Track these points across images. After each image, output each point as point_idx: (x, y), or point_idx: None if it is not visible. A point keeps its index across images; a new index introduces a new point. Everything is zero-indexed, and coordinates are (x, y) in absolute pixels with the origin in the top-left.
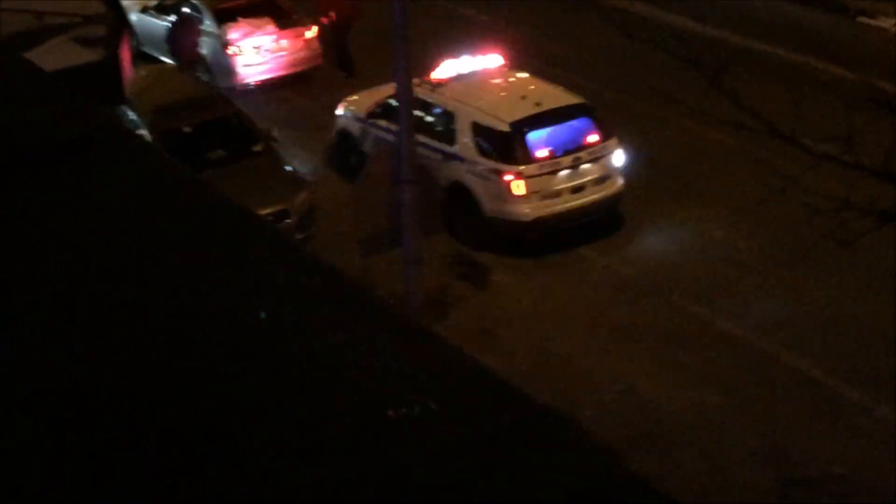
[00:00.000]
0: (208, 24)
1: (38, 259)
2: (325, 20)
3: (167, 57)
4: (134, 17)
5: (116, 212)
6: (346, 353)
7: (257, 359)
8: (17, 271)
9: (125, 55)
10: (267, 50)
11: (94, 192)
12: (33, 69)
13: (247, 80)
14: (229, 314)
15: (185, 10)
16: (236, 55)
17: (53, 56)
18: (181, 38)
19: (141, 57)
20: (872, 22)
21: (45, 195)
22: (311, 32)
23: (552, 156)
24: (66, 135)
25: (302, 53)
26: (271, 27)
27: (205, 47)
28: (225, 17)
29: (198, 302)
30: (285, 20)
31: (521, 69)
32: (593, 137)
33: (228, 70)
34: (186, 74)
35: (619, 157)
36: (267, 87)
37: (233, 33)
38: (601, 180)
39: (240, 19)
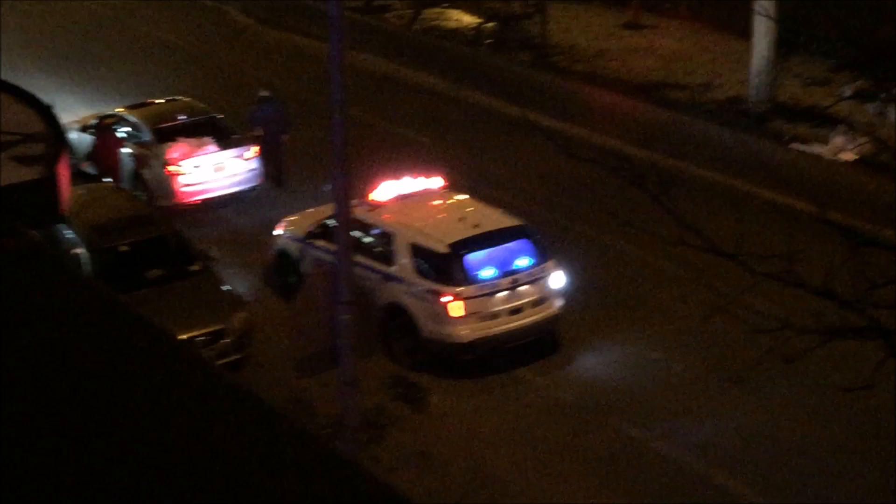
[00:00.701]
0: (148, 143)
1: None
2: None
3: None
4: (73, 135)
5: (25, 330)
6: (257, 477)
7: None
8: None
9: (63, 173)
10: (208, 170)
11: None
12: None
13: (186, 200)
14: (139, 437)
15: (123, 128)
16: (176, 174)
17: None
18: (101, 147)
19: (79, 176)
20: (806, 148)
21: None
22: (251, 152)
23: (490, 277)
24: None
25: (242, 173)
26: (212, 147)
27: (144, 166)
28: (165, 136)
29: (106, 423)
30: (226, 140)
31: (461, 191)
32: (531, 259)
33: (168, 189)
34: (124, 193)
35: (557, 280)
36: (206, 206)
37: (173, 153)
38: (539, 302)
39: (180, 139)
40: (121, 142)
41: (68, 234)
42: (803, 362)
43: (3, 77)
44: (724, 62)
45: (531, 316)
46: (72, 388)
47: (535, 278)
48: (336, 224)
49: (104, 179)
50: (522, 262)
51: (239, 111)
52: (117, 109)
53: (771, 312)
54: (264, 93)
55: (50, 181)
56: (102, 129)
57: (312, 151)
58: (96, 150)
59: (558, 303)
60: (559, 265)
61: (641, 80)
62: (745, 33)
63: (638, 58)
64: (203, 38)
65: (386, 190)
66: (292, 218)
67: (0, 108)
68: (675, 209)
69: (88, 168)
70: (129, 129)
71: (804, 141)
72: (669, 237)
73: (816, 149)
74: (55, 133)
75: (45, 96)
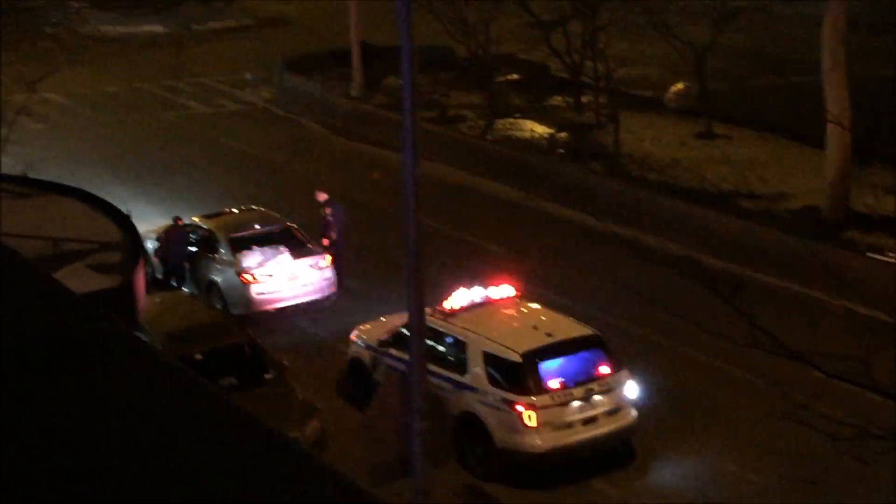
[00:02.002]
0: (223, 253)
1: (45, 466)
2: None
3: (180, 282)
4: (149, 244)
5: (128, 424)
6: None
7: None
8: (28, 475)
9: (139, 281)
10: (281, 279)
11: (107, 402)
12: (53, 284)
13: (260, 308)
14: None
15: (194, 233)
16: (250, 283)
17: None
18: (169, 245)
19: (154, 284)
20: (882, 257)
21: (55, 402)
22: (325, 261)
23: (564, 387)
24: (77, 340)
25: (315, 282)
26: (286, 256)
27: (219, 275)
28: (240, 245)
29: None
30: (300, 249)
31: (533, 299)
32: (605, 369)
33: (242, 298)
34: (199, 301)
35: (631, 389)
36: (280, 315)
37: (247, 261)
38: (613, 412)
39: (255, 247)
40: (196, 250)
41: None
42: (878, 465)
43: (83, 187)
44: (798, 171)
45: (605, 426)
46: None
47: (609, 388)
48: (409, 332)
49: (172, 283)
50: (596, 371)
51: (313, 220)
52: (193, 218)
53: (843, 419)
54: (323, 195)
55: (126, 289)
56: (173, 233)
57: (385, 259)
58: (164, 253)
59: (632, 412)
60: (632, 374)
61: (714, 189)
62: (819, 143)
63: (711, 167)
64: (278, 148)
65: (459, 298)
66: (366, 326)
67: (79, 217)
68: (748, 311)
69: (157, 273)
70: (204, 237)
71: (880, 250)
72: (741, 340)
73: (893, 258)
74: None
75: (122, 206)
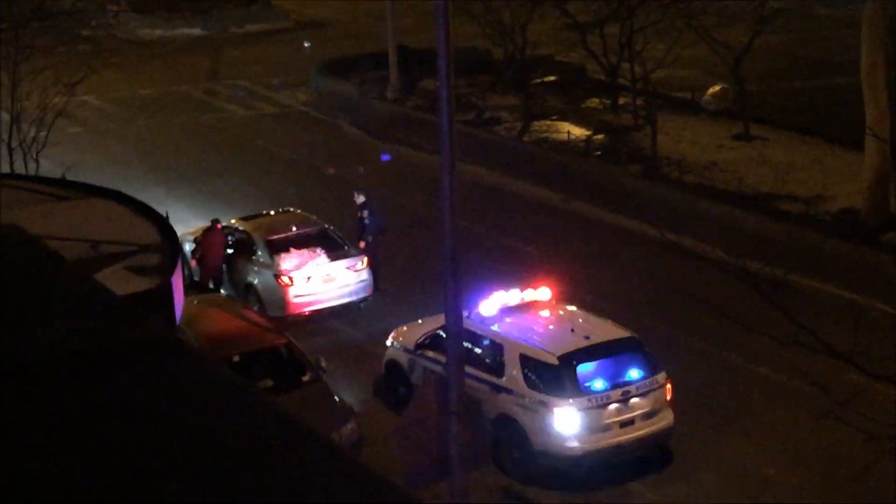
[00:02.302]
0: (260, 255)
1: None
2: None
3: (217, 285)
4: (188, 246)
5: (169, 425)
6: None
7: None
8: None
9: (177, 283)
10: (318, 281)
11: (148, 404)
12: (95, 286)
13: (298, 311)
14: None
15: (231, 236)
16: (288, 286)
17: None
18: (205, 250)
19: (193, 287)
20: None
21: (97, 405)
22: (362, 264)
23: (601, 389)
24: (119, 343)
25: (353, 285)
26: (323, 258)
27: (256, 277)
28: (277, 247)
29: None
30: (337, 251)
31: (570, 302)
32: (642, 371)
33: (279, 300)
34: (236, 303)
35: (668, 391)
36: (317, 317)
37: (285, 263)
38: (651, 415)
39: (292, 249)
40: (233, 253)
41: None
42: None
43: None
44: (837, 174)
45: (643, 429)
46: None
47: (647, 390)
48: (446, 335)
49: (210, 286)
50: (633, 373)
51: (349, 222)
52: (232, 221)
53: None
54: (360, 197)
55: (164, 291)
56: (209, 234)
57: (422, 261)
58: (202, 256)
59: (669, 415)
60: (669, 376)
61: (752, 191)
62: (858, 145)
63: (749, 169)
64: (315, 150)
65: (495, 301)
66: (403, 328)
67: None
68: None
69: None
70: (241, 240)
71: None
72: (782, 340)
73: None
74: (170, 244)
75: (160, 208)
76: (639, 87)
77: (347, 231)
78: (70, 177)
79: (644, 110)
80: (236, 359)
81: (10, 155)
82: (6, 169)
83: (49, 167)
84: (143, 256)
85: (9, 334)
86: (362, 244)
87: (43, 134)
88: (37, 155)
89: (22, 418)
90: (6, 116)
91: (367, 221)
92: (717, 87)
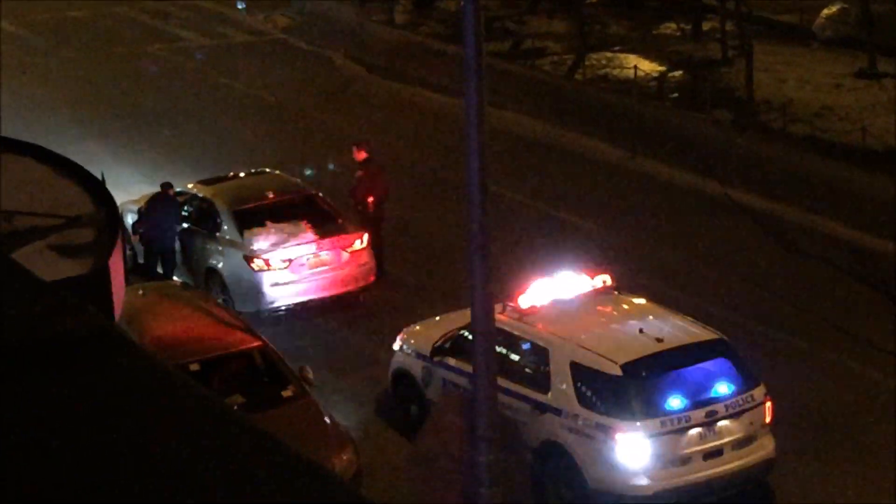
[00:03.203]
0: (226, 231)
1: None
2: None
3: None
4: (130, 218)
5: (111, 427)
6: None
7: None
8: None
9: (117, 268)
10: (303, 265)
11: (89, 403)
12: (16, 268)
13: (276, 304)
14: None
15: (193, 209)
16: (263, 271)
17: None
18: (153, 224)
19: (135, 271)
20: None
21: (34, 404)
22: (362, 242)
23: (679, 409)
24: (51, 337)
25: (348, 269)
26: (309, 234)
27: (220, 260)
28: (248, 221)
29: None
30: (328, 225)
31: (637, 293)
32: (733, 385)
33: (252, 290)
34: (195, 294)
35: (767, 411)
36: (302, 312)
37: (259, 243)
38: (744, 442)
39: (268, 224)
40: (190, 227)
41: None
42: None
43: (42, 143)
44: None
45: (734, 460)
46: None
47: (739, 410)
48: (474, 336)
49: (159, 270)
50: (721, 388)
51: (343, 186)
52: (188, 185)
53: None
54: (362, 153)
55: (99, 278)
56: (160, 204)
57: (441, 239)
58: (149, 231)
59: (769, 442)
60: (769, 391)
61: (880, 145)
62: None
63: (875, 116)
64: (299, 91)
65: (539, 291)
66: (415, 328)
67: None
68: None
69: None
70: (201, 210)
71: None
72: None
73: None
74: (107, 216)
75: (94, 169)
76: (729, 6)
77: (342, 198)
78: None
79: (736, 38)
80: (195, 367)
81: None
82: None
83: None
84: (72, 232)
85: None
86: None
87: None
88: None
89: None
90: None
91: (357, 183)
92: (833, 8)
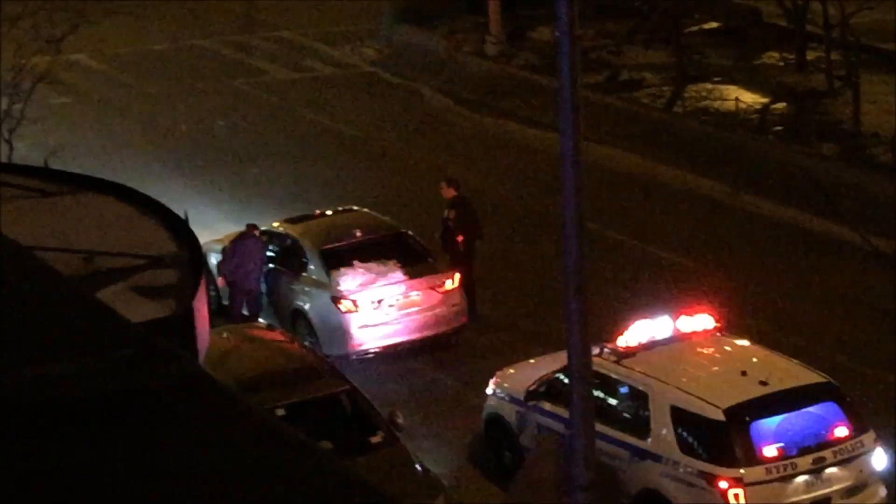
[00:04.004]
0: (313, 271)
1: None
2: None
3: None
4: (214, 259)
5: (201, 479)
6: None
7: None
8: None
9: (201, 310)
10: (392, 305)
11: (177, 455)
12: (101, 307)
13: (364, 347)
14: None
15: (273, 245)
16: (350, 312)
17: None
18: (239, 264)
19: (219, 313)
20: None
21: (119, 456)
22: (453, 282)
23: (784, 455)
24: (144, 384)
25: (439, 310)
26: (399, 274)
27: (307, 301)
28: (336, 260)
29: None
30: (418, 265)
31: (741, 335)
32: (842, 430)
33: (340, 332)
34: (281, 337)
35: (879, 458)
36: (391, 355)
37: (346, 282)
38: (854, 490)
39: (356, 263)
40: (275, 267)
41: None
42: None
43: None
44: None
45: None
46: None
47: (848, 457)
48: (570, 380)
49: (244, 312)
50: (830, 433)
51: (433, 225)
52: (274, 224)
53: None
54: (451, 191)
55: (183, 319)
56: (244, 243)
57: (536, 278)
58: (235, 272)
59: (881, 491)
60: (880, 437)
61: None
62: None
63: None
64: (386, 126)
65: (638, 333)
66: (509, 371)
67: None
68: None
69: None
70: (287, 249)
71: None
72: None
73: None
74: (191, 256)
75: (177, 207)
76: (835, 35)
77: (432, 237)
78: (55, 164)
79: (842, 68)
80: (280, 412)
81: None
82: None
83: (26, 151)
84: (155, 273)
85: (5, 370)
86: (457, 243)
87: (18, 107)
88: (10, 134)
89: (31, 476)
90: None
91: (449, 223)
92: None
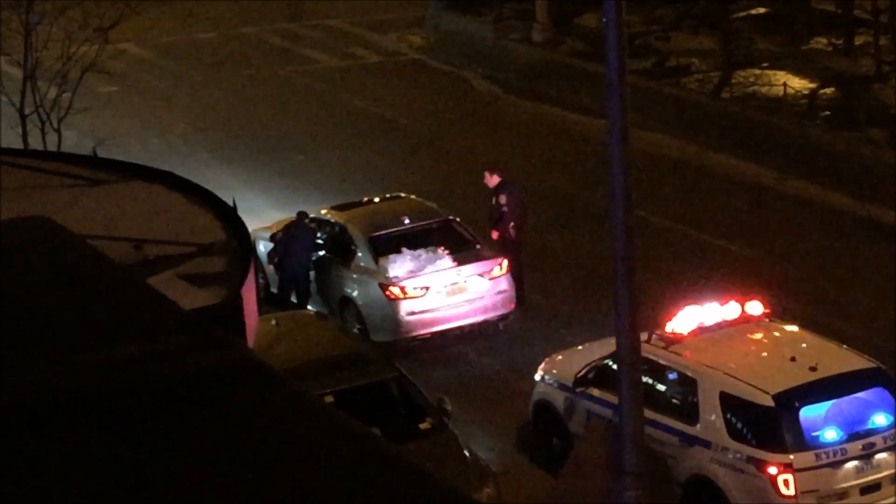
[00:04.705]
0: (361, 258)
1: None
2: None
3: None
4: (262, 246)
5: (256, 466)
6: None
7: None
8: None
9: (250, 297)
10: (440, 292)
11: (232, 440)
12: (152, 294)
13: (412, 334)
14: None
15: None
16: (399, 299)
17: None
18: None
19: (268, 300)
20: None
21: (175, 443)
22: (501, 269)
23: (834, 441)
24: (199, 370)
25: (488, 297)
26: (446, 261)
27: (355, 288)
28: (384, 247)
29: None
30: (465, 252)
31: (790, 320)
32: (892, 416)
33: (388, 319)
34: (329, 324)
35: None
36: (440, 342)
37: (395, 269)
38: None
39: (404, 250)
40: (324, 255)
41: None
42: None
43: (172, 170)
44: None
45: (893, 495)
46: None
47: None
48: (619, 366)
49: (293, 299)
50: (879, 419)
51: (479, 212)
52: (322, 211)
53: None
54: (496, 178)
55: (232, 306)
56: (293, 230)
57: (584, 265)
58: (283, 259)
59: None
60: None
61: None
62: None
63: None
64: (434, 114)
65: (687, 319)
66: (557, 357)
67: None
68: None
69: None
70: (335, 237)
71: None
72: None
73: None
74: (239, 243)
75: (226, 195)
76: (883, 20)
77: (479, 224)
78: (103, 153)
79: (891, 53)
80: (329, 398)
81: (24, 123)
82: (18, 143)
83: (75, 140)
84: (204, 260)
85: (62, 358)
86: (495, 234)
87: (67, 95)
88: (58, 123)
89: (89, 462)
90: (16, 72)
91: (505, 210)
92: None
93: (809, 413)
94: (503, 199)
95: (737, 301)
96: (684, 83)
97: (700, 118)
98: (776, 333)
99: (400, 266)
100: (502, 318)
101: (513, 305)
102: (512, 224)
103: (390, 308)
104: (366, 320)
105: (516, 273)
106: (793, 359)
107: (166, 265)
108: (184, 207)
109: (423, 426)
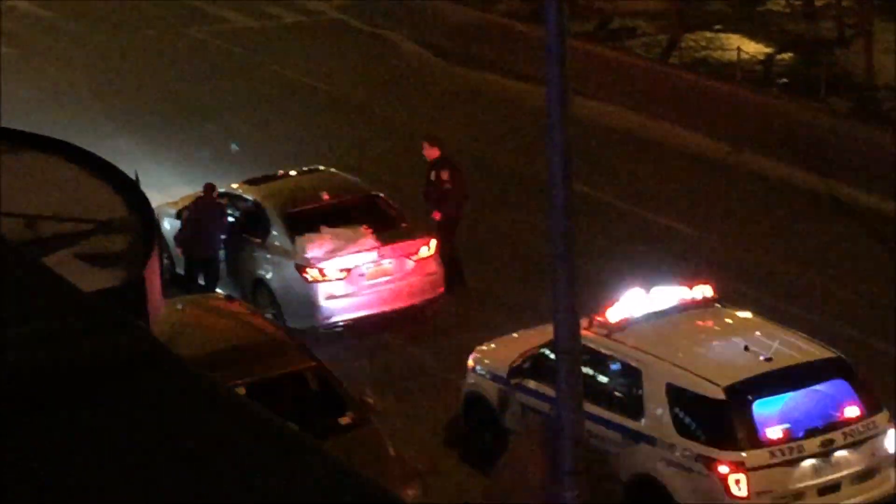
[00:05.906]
0: (275, 237)
1: None
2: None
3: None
4: (168, 223)
5: (163, 455)
6: None
7: None
8: None
9: (153, 279)
10: (362, 275)
11: (137, 430)
12: (51, 276)
13: (332, 319)
14: None
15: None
16: (317, 282)
17: None
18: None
19: (174, 283)
20: None
21: (76, 432)
22: (429, 249)
23: (790, 438)
24: (96, 357)
25: (414, 280)
26: (370, 241)
27: (270, 270)
28: (301, 225)
29: None
30: (391, 230)
31: (742, 306)
32: (853, 410)
33: (305, 304)
34: (240, 309)
35: (893, 440)
36: (362, 328)
37: (313, 250)
38: (865, 475)
39: (323, 229)
40: (235, 233)
41: None
42: None
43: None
44: None
45: (854, 495)
46: None
47: (859, 439)
48: (557, 355)
49: (201, 281)
50: (839, 413)
51: (408, 186)
52: (233, 186)
53: None
54: (434, 150)
55: (134, 289)
56: (201, 206)
57: (519, 246)
58: (190, 238)
59: (894, 476)
60: (894, 417)
61: None
62: None
63: None
64: (357, 79)
65: (630, 304)
66: (489, 346)
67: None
68: None
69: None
70: (247, 213)
71: None
72: None
73: None
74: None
75: (127, 168)
76: None
77: (407, 201)
78: None
79: (854, 16)
80: (241, 390)
81: None
82: None
83: None
84: (103, 238)
85: None
86: (438, 215)
87: None
88: None
89: None
90: None
91: (448, 186)
92: None
93: (763, 407)
94: (445, 175)
95: (685, 284)
96: (630, 47)
97: (646, 85)
98: (728, 320)
99: (318, 246)
100: (430, 302)
101: (442, 290)
102: (451, 203)
103: (308, 291)
104: (281, 305)
105: (449, 254)
106: (746, 348)
107: (62, 244)
108: (82, 181)
109: (343, 421)
